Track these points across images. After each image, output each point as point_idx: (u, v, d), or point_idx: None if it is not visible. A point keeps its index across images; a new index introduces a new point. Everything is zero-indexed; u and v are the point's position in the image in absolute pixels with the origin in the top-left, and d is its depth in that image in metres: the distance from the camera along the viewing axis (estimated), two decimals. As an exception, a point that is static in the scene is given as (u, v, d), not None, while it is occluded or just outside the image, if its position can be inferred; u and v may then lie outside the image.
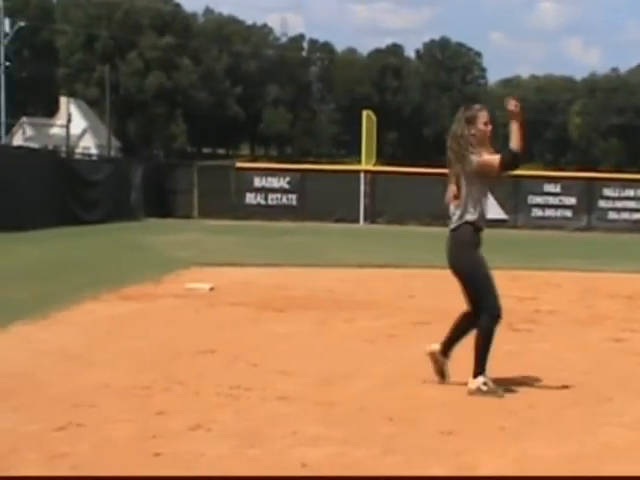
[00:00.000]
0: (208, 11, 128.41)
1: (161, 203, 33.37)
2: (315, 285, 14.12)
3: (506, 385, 7.41)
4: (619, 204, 29.93)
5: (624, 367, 8.37)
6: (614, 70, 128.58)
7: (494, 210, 31.93)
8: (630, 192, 30.04)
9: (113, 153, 70.37)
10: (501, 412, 6.65)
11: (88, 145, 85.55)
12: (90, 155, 48.45)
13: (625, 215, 29.77)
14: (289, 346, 9.19)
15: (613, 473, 5.35)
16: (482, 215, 7.28)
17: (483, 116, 7.30)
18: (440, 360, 7.51)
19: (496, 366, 8.22)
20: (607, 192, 30.00)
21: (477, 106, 7.44)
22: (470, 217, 7.21)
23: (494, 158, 7.18)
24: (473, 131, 7.20)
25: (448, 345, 7.48)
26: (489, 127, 7.29)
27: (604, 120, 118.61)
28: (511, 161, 7.17)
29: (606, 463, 5.54)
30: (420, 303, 12.40)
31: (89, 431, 5.97)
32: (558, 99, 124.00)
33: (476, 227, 7.26)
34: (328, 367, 8.14)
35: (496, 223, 28.90)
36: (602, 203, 29.90)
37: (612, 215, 29.65)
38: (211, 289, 13.05)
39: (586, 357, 7.71)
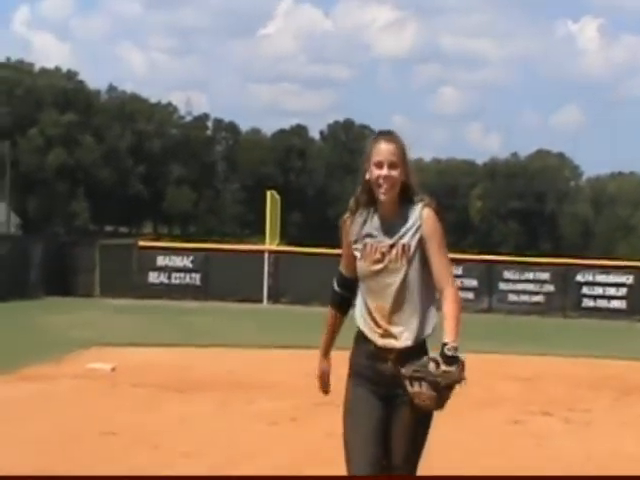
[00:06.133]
0: (111, 88, 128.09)
1: (62, 281, 32.87)
2: (217, 366, 14.04)
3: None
4: (519, 286, 30.33)
5: (522, 449, 8.48)
6: (514, 155, 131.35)
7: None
8: (529, 275, 30.54)
9: (13, 230, 69.42)
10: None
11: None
12: (-12, 232, 47.65)
13: (525, 297, 30.15)
14: (190, 428, 9.12)
15: None
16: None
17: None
18: None
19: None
20: (507, 274, 30.41)
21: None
22: None
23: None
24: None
25: None
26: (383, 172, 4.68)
27: (504, 204, 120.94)
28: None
29: None
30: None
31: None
32: (459, 183, 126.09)
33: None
34: (230, 449, 8.10)
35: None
36: (502, 285, 30.27)
37: (512, 297, 29.98)
38: (113, 369, 12.90)
39: (485, 439, 7.80)
